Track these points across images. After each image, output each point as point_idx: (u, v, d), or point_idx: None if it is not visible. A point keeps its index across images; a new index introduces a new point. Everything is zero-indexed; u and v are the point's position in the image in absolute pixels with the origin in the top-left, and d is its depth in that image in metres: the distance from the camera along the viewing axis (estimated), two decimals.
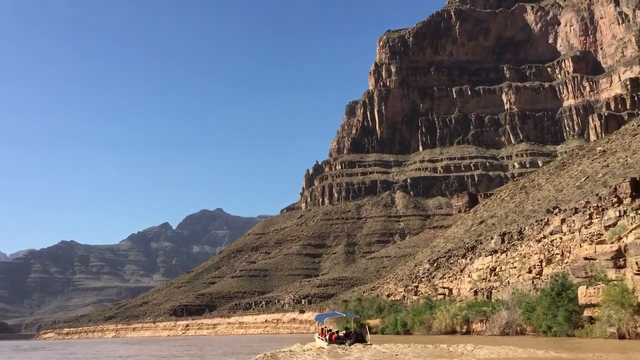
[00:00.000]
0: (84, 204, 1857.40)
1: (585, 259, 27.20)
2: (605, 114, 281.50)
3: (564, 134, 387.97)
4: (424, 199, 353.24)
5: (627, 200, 36.50)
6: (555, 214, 45.22)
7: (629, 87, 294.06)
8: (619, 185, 37.37)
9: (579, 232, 39.51)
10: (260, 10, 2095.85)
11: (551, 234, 44.96)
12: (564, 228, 42.76)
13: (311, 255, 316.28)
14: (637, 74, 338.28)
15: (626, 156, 77.93)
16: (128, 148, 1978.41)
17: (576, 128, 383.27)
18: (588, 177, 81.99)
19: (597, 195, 43.81)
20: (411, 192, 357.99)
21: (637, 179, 36.43)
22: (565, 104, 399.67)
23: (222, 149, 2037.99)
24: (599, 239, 34.85)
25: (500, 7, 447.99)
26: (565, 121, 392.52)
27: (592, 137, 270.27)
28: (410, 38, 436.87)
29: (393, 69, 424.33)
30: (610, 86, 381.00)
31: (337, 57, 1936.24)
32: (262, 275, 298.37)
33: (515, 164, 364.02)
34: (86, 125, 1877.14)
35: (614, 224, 33.69)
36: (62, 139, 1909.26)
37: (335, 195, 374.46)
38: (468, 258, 75.88)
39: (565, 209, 44.44)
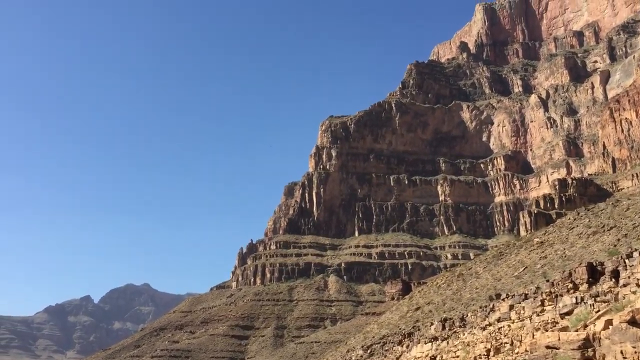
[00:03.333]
0: None
1: (547, 347, 24.15)
2: (535, 212, 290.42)
3: (495, 229, 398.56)
4: (357, 285, 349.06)
5: (584, 287, 34.39)
6: (503, 300, 42.72)
7: (557, 187, 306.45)
8: (574, 271, 35.38)
9: (530, 319, 36.90)
10: (213, 77, 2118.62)
11: (498, 321, 42.24)
12: (513, 315, 40.18)
13: (238, 337, 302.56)
14: (564, 176, 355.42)
15: (564, 248, 78.03)
16: (48, 210, 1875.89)
17: (506, 224, 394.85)
18: (526, 267, 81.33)
19: (548, 280, 41.78)
20: (345, 277, 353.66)
21: (594, 264, 34.66)
22: (497, 199, 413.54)
23: (153, 220, 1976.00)
24: (553, 327, 32.29)
25: (439, 104, 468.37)
26: (496, 216, 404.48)
27: (522, 233, 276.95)
28: (352, 125, 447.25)
29: (334, 153, 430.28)
30: (539, 186, 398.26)
31: (278, 139, 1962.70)
32: (184, 356, 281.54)
33: (448, 255, 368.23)
34: (4, 184, 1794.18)
35: (570, 312, 31.28)
36: None
37: (268, 275, 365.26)
38: (404, 345, 72.23)
39: (514, 295, 42.01)
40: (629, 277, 28.61)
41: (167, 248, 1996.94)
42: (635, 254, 29.60)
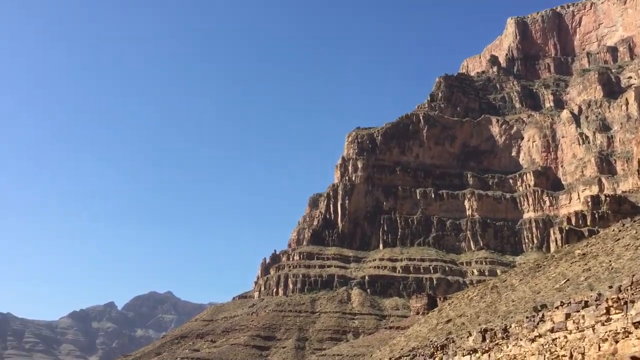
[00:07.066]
0: (24, 274, 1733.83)
1: (634, 358, 20.20)
2: (567, 228, 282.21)
3: (523, 245, 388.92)
4: (380, 298, 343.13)
5: None
6: (556, 309, 38.56)
7: (589, 204, 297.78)
8: None
9: (593, 329, 32.75)
10: (227, 93, 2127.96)
11: (552, 331, 38.03)
12: (570, 325, 35.94)
13: (259, 348, 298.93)
14: (597, 192, 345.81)
15: (610, 260, 73.21)
16: (75, 217, 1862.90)
17: (535, 240, 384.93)
18: (568, 279, 76.47)
19: (610, 287, 37.54)
20: (368, 290, 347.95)
21: None
22: (525, 216, 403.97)
23: (178, 229, 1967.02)
24: (626, 337, 28.30)
25: (467, 117, 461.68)
26: (525, 233, 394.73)
27: (552, 249, 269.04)
28: (379, 137, 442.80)
29: (360, 165, 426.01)
30: (569, 202, 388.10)
31: (304, 149, 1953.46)
32: None
33: (475, 271, 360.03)
34: (33, 189, 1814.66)
35: None
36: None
37: (291, 286, 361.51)
38: (437, 358, 67.97)
39: (569, 303, 37.80)
40: None
41: (191, 257, 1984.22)
42: None
